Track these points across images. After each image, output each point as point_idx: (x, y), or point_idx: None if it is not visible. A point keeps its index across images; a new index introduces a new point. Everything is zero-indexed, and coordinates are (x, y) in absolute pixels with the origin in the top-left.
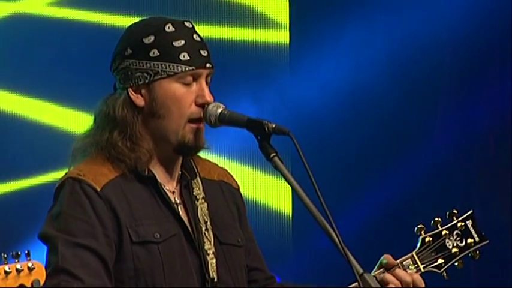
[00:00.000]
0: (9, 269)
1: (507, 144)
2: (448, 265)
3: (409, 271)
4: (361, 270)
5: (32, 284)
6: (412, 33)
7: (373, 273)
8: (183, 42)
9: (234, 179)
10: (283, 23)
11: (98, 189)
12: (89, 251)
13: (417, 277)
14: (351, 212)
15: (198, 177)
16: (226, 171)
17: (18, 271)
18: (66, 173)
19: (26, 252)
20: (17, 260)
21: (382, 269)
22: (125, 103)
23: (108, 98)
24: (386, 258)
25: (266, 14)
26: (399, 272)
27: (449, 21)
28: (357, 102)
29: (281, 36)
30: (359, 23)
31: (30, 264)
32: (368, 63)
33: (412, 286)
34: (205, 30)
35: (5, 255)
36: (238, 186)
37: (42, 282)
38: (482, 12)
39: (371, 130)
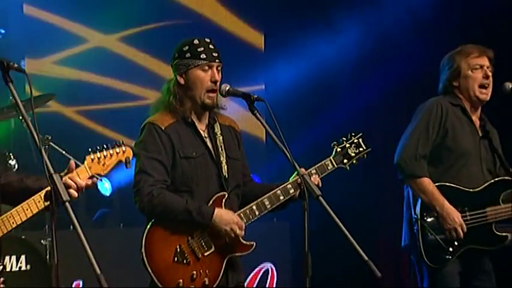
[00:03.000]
0: (112, 152)
1: (390, 106)
2: (349, 162)
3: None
4: (304, 172)
5: (125, 159)
6: (338, 49)
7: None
8: (202, 48)
9: (237, 125)
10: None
11: (163, 128)
12: (157, 161)
13: (317, 179)
14: (302, 140)
15: (217, 123)
16: (233, 120)
17: (117, 153)
18: (147, 120)
19: (122, 141)
20: (116, 146)
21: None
22: (175, 83)
23: (168, 82)
24: (310, 171)
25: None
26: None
27: (352, 42)
28: (309, 83)
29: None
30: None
31: (124, 148)
32: (312, 68)
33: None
34: None
35: (109, 144)
36: (240, 130)
37: (130, 158)
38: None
39: (316, 96)
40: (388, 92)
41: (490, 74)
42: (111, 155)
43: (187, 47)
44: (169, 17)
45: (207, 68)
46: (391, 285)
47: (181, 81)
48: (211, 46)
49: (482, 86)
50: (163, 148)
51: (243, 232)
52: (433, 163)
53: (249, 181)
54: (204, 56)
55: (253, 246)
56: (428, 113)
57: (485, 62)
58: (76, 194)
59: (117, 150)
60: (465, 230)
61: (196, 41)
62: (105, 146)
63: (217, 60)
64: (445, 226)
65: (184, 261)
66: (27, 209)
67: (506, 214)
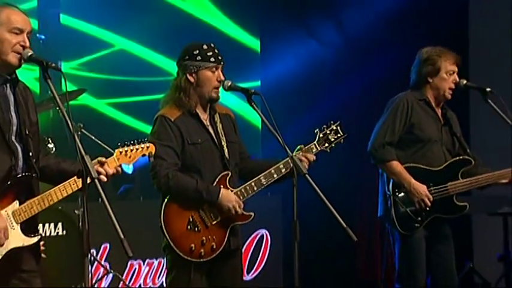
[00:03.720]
0: (138, 147)
1: (367, 98)
2: (329, 146)
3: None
4: (291, 154)
5: (148, 153)
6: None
7: (295, 153)
8: (211, 53)
9: (232, 112)
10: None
11: (173, 120)
12: (169, 148)
13: (313, 156)
14: (292, 128)
15: (216, 113)
16: (228, 108)
17: (142, 148)
18: (158, 113)
19: (146, 139)
20: (142, 143)
21: (299, 151)
22: (185, 80)
23: (176, 79)
24: (300, 147)
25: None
26: (311, 152)
27: (336, 43)
28: (299, 79)
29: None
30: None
31: (148, 145)
32: (301, 65)
33: (313, 160)
34: None
35: (136, 141)
36: (234, 117)
37: (153, 153)
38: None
39: (304, 90)
40: (365, 86)
41: (458, 80)
42: (136, 150)
43: (197, 51)
44: (179, 24)
45: (214, 69)
46: (364, 248)
47: (191, 79)
48: (216, 50)
49: (450, 89)
50: (173, 136)
51: (241, 210)
52: (402, 148)
53: (246, 157)
54: (213, 60)
55: (252, 217)
56: (396, 108)
57: (456, 68)
58: (105, 179)
59: (142, 146)
60: (431, 199)
61: (205, 46)
62: (132, 141)
63: (222, 63)
64: (414, 199)
65: (196, 229)
66: (63, 190)
67: (464, 187)
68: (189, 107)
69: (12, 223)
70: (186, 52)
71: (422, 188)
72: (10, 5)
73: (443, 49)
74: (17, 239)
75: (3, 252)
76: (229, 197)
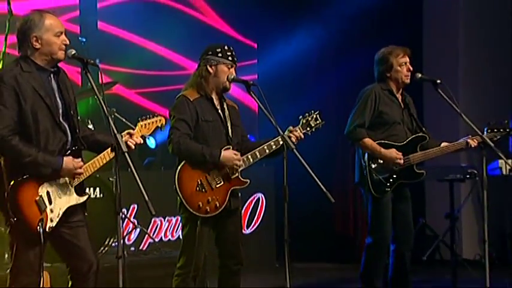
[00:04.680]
0: (153, 120)
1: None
2: (310, 130)
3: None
4: (282, 133)
5: (160, 125)
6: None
7: (286, 133)
8: (230, 53)
9: (237, 106)
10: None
11: (191, 100)
12: (183, 121)
13: (300, 134)
14: (283, 113)
15: (225, 102)
16: (234, 103)
17: (156, 121)
18: (180, 93)
19: (157, 114)
20: (155, 116)
21: (290, 131)
22: (206, 70)
23: (198, 69)
24: (290, 128)
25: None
26: (298, 131)
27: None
28: (290, 73)
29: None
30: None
31: (160, 118)
32: (292, 62)
33: (299, 136)
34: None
35: (150, 115)
36: (238, 109)
37: (164, 124)
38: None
39: (295, 82)
40: (343, 80)
41: (411, 68)
42: (152, 122)
43: (219, 49)
44: (195, 30)
45: (230, 66)
46: (340, 208)
47: (211, 70)
48: (234, 53)
49: (406, 76)
50: (189, 113)
51: (241, 163)
52: (373, 129)
53: (246, 140)
54: (231, 59)
55: (248, 183)
56: (365, 99)
57: (407, 59)
58: (133, 147)
59: (156, 119)
60: (401, 157)
61: (226, 47)
62: (149, 116)
63: (236, 64)
64: (390, 163)
65: (203, 190)
66: (103, 158)
67: (422, 158)
68: (206, 92)
69: (69, 187)
70: (210, 49)
71: (392, 152)
72: (46, 11)
73: (393, 47)
74: (73, 199)
75: (64, 209)
76: (228, 155)
